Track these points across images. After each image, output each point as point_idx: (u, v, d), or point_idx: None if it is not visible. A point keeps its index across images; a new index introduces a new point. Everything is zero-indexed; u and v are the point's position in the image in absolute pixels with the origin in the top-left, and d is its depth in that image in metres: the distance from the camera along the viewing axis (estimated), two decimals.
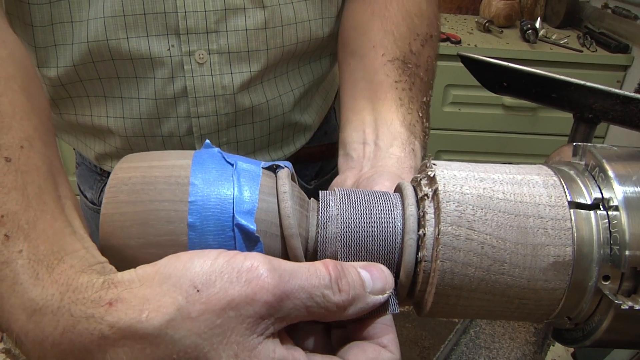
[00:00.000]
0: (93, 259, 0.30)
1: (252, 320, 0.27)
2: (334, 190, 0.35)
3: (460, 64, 0.53)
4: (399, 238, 0.33)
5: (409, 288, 0.33)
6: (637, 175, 0.31)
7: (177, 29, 0.55)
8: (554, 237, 0.31)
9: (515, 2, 2.10)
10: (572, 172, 0.34)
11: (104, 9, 0.53)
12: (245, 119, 0.63)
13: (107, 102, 0.60)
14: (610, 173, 0.31)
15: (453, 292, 0.31)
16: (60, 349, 0.27)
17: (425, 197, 0.32)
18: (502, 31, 1.99)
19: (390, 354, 0.31)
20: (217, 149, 0.34)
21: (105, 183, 0.70)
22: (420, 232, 0.32)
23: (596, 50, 1.86)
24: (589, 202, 0.32)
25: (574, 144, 0.36)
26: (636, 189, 0.31)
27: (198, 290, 0.27)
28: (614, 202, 0.31)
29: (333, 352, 0.32)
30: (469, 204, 0.31)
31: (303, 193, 0.36)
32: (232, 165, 0.33)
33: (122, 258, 0.31)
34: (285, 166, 0.35)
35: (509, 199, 0.31)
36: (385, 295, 0.32)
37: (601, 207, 0.31)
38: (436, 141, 1.99)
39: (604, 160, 0.32)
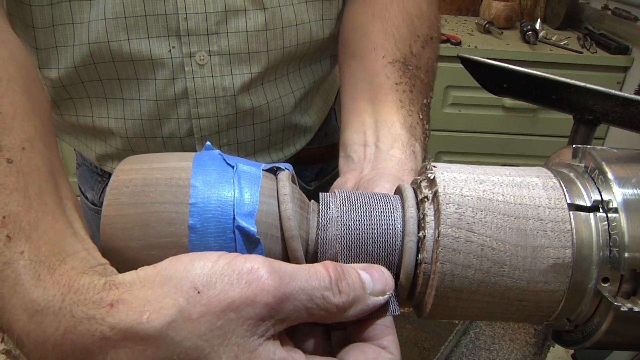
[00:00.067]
0: (94, 260, 0.30)
1: (253, 322, 0.27)
2: (334, 192, 0.35)
3: (461, 66, 0.53)
4: (399, 240, 0.33)
5: (409, 290, 0.33)
6: (636, 177, 0.31)
7: (178, 30, 0.55)
8: (553, 239, 0.31)
9: (515, 3, 2.11)
10: (571, 174, 0.34)
11: (105, 11, 0.53)
12: (245, 120, 0.63)
13: (108, 103, 0.60)
14: (610, 175, 0.31)
15: (453, 294, 0.31)
16: (62, 349, 0.27)
17: (425, 199, 0.33)
18: (502, 32, 1.99)
19: (390, 355, 0.31)
20: (217, 151, 0.34)
21: (106, 184, 0.71)
22: (420, 234, 0.32)
23: (596, 52, 1.86)
24: (588, 204, 0.32)
25: (574, 146, 0.36)
26: (635, 192, 0.31)
27: (199, 292, 0.27)
28: (614, 205, 0.31)
29: (333, 353, 0.32)
30: (469, 206, 0.31)
31: (303, 195, 0.36)
32: (233, 167, 0.33)
33: (123, 260, 0.31)
34: (286, 168, 0.35)
35: (508, 201, 0.32)
36: (386, 296, 0.32)
37: (600, 209, 0.31)
38: (436, 142, 1.99)
39: (603, 163, 0.32)
